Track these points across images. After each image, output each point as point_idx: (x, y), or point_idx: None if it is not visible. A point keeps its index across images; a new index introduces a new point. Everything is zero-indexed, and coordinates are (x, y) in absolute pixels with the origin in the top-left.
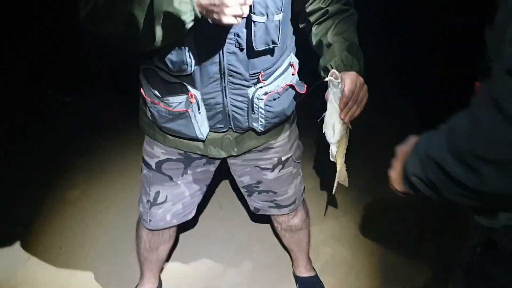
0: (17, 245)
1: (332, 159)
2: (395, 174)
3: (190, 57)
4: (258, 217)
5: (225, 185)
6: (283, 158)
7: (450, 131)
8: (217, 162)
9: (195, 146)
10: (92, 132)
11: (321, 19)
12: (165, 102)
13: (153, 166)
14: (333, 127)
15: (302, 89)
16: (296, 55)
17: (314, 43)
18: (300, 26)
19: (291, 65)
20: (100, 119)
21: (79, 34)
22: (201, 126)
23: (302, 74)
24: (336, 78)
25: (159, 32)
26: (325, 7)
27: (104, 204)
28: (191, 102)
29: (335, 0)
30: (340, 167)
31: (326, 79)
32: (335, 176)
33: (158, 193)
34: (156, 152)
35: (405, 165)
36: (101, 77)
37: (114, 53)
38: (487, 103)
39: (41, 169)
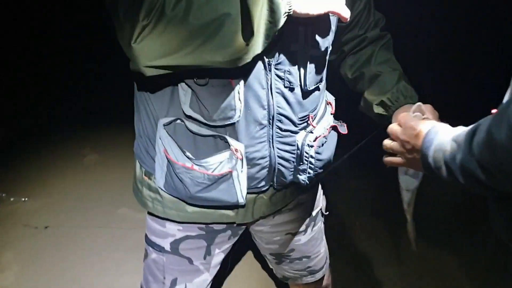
0: None
1: (407, 209)
2: (405, 162)
3: (239, 99)
4: None
5: None
6: (314, 213)
7: (470, 143)
8: (241, 231)
9: (223, 214)
10: None
11: (358, 48)
12: (202, 165)
13: (167, 247)
14: (409, 172)
15: (344, 129)
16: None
17: (350, 75)
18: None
19: (328, 103)
20: None
21: None
22: (243, 188)
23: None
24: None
25: (258, 24)
26: (363, 34)
27: None
28: (238, 159)
29: (372, 25)
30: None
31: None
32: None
33: (175, 281)
34: (170, 230)
35: (430, 166)
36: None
37: None
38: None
39: None
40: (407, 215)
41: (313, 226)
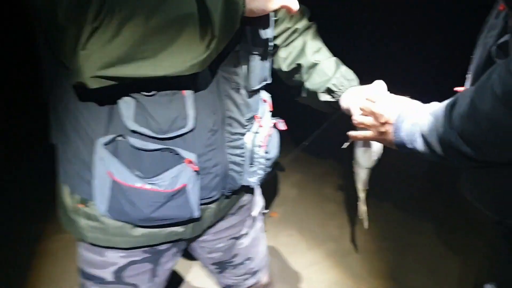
0: None
1: (362, 188)
2: (377, 136)
3: (192, 106)
4: None
5: None
6: (254, 213)
7: (450, 116)
8: (185, 245)
9: (172, 231)
10: None
11: (290, 40)
12: (154, 183)
13: (110, 277)
14: (369, 150)
15: (283, 126)
16: None
17: (286, 68)
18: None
19: (264, 101)
20: None
21: None
22: (198, 200)
23: None
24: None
25: (218, 25)
26: (293, 26)
27: None
28: (192, 171)
29: (300, 16)
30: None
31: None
32: (359, 209)
33: None
34: (111, 258)
35: (403, 140)
36: None
37: None
38: (485, 90)
39: None
40: (360, 194)
41: (255, 227)
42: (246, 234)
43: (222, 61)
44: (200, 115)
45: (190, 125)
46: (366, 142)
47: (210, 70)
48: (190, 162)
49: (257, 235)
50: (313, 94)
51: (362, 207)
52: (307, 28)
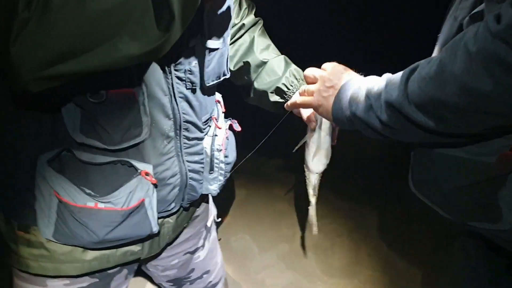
0: None
1: (313, 193)
2: (317, 100)
3: (146, 112)
4: None
5: None
6: (209, 224)
7: (406, 79)
8: (137, 265)
9: (127, 251)
10: None
11: (237, 36)
12: (109, 201)
13: None
14: (319, 156)
15: (238, 126)
16: None
17: (233, 67)
18: None
19: (217, 101)
20: None
21: None
22: (156, 214)
23: None
24: None
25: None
26: (240, 22)
27: None
28: (150, 183)
29: (246, 12)
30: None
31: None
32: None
33: None
34: (53, 287)
35: (344, 103)
36: None
37: None
38: (456, 51)
39: None
40: (310, 199)
41: (209, 238)
42: (202, 247)
43: (176, 60)
44: (155, 121)
45: (144, 133)
46: (316, 146)
47: (163, 71)
48: (147, 174)
49: (212, 245)
50: (262, 94)
51: (312, 213)
52: (254, 24)
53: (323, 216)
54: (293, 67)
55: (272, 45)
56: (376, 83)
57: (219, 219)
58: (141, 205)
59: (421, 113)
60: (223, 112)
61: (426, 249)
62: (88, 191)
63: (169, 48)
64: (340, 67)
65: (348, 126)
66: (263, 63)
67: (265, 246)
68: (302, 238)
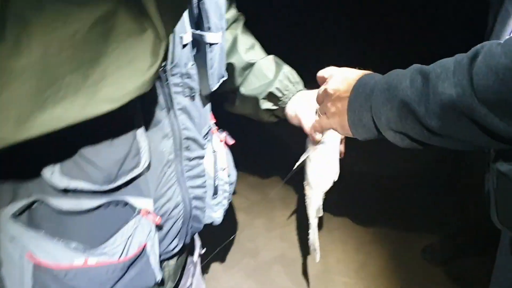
0: None
1: (315, 214)
2: (336, 120)
3: (143, 135)
4: None
5: None
6: (195, 258)
7: (468, 71)
8: None
9: None
10: None
11: None
12: (103, 254)
13: None
14: (326, 171)
15: (231, 140)
16: None
17: None
18: None
19: None
20: None
21: None
22: (158, 259)
23: None
24: None
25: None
26: None
27: None
28: (152, 224)
29: (228, 5)
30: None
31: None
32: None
33: None
34: None
35: (363, 112)
36: None
37: None
38: None
39: None
40: (311, 221)
41: (196, 273)
42: (190, 286)
43: (171, 61)
44: (154, 144)
45: (143, 162)
46: (321, 161)
47: (158, 79)
48: (148, 212)
49: (198, 282)
50: (251, 101)
51: (314, 236)
52: (235, 20)
53: (290, 224)
54: (286, 68)
55: (258, 44)
56: (404, 79)
57: (204, 250)
58: (143, 252)
59: (497, 116)
60: (214, 123)
61: (408, 255)
62: (74, 244)
63: (157, 74)
64: (346, 71)
65: (373, 137)
66: (250, 65)
67: (230, 264)
68: (268, 251)
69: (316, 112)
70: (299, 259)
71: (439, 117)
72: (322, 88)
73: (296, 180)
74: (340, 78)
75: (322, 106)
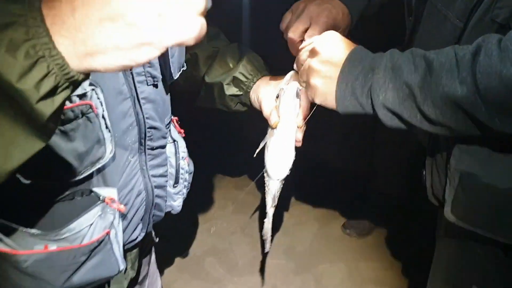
0: None
1: (271, 203)
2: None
3: (107, 125)
4: None
5: None
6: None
7: (471, 69)
8: None
9: None
10: None
11: None
12: (64, 238)
13: None
14: (281, 159)
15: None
16: None
17: None
18: None
19: None
20: None
21: None
22: (121, 248)
23: None
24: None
25: None
26: None
27: None
28: (115, 211)
29: None
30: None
31: (284, 87)
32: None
33: None
34: None
35: (357, 85)
36: None
37: None
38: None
39: None
40: (268, 210)
41: (151, 260)
42: (146, 274)
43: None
44: (117, 134)
45: (108, 152)
46: (277, 148)
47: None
48: (113, 200)
49: (153, 268)
50: (216, 88)
51: (268, 226)
52: None
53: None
54: (251, 54)
55: (222, 33)
56: (408, 62)
57: (157, 239)
58: (106, 238)
59: (497, 115)
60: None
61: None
62: (33, 231)
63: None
64: (337, 36)
65: (361, 114)
66: (214, 53)
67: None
68: (198, 242)
69: (277, 97)
70: (231, 249)
71: (438, 106)
72: (309, 46)
73: None
74: (334, 42)
75: (306, 68)
